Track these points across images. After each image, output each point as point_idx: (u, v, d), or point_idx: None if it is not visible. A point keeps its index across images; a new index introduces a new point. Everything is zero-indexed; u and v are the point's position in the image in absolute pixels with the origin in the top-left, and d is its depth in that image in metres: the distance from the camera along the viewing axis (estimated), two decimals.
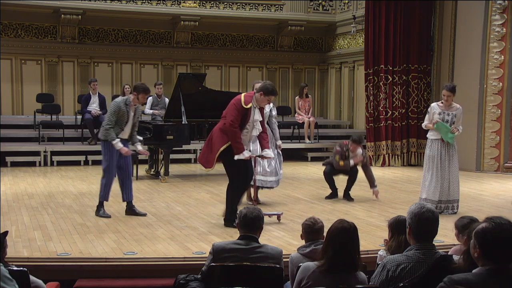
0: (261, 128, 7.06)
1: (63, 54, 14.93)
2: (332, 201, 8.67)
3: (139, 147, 7.70)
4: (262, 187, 8.25)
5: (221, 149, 6.76)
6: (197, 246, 6.02)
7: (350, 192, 8.77)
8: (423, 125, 8.08)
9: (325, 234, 3.84)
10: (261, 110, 7.05)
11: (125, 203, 7.60)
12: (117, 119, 7.29)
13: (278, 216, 7.19)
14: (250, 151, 7.14)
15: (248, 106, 6.79)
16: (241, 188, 7.05)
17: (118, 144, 7.21)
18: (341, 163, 8.54)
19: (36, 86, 14.77)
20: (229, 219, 6.86)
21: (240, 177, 6.89)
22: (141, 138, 10.65)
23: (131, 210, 7.53)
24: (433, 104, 7.94)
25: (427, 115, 7.93)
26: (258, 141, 7.32)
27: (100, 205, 7.47)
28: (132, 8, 14.72)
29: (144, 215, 7.48)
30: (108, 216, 7.33)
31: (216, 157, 6.79)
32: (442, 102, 7.81)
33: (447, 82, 12.54)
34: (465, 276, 2.98)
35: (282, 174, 8.60)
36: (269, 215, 7.06)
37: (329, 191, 8.87)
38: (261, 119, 7.03)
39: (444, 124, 7.67)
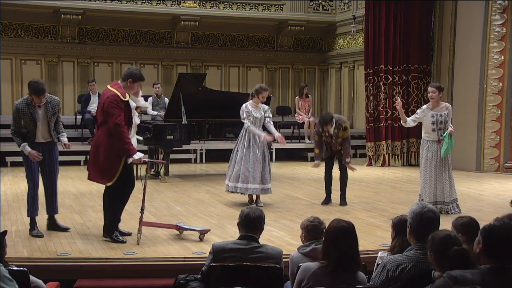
0: (137, 120, 6.35)
1: (63, 54, 14.93)
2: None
3: (63, 138, 6.63)
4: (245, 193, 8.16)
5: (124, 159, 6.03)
6: (197, 246, 6.02)
7: (346, 195, 8.49)
8: (407, 121, 7.75)
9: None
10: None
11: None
12: (23, 123, 6.38)
13: (201, 234, 6.32)
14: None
15: (127, 98, 6.02)
16: (126, 197, 6.38)
17: (26, 148, 6.37)
18: (316, 137, 8.38)
19: None
20: (110, 231, 6.20)
21: (127, 184, 6.27)
22: (141, 138, 10.71)
23: (53, 225, 6.64)
24: (423, 107, 7.87)
25: (415, 115, 7.83)
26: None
27: (32, 222, 6.48)
28: (132, 8, 14.72)
29: (67, 230, 6.62)
30: (41, 236, 6.33)
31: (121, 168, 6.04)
32: (430, 104, 7.76)
33: (445, 82, 12.61)
34: (464, 273, 2.97)
35: (270, 184, 8.23)
36: (184, 230, 6.44)
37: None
38: (135, 105, 6.22)
39: (448, 144, 7.59)
